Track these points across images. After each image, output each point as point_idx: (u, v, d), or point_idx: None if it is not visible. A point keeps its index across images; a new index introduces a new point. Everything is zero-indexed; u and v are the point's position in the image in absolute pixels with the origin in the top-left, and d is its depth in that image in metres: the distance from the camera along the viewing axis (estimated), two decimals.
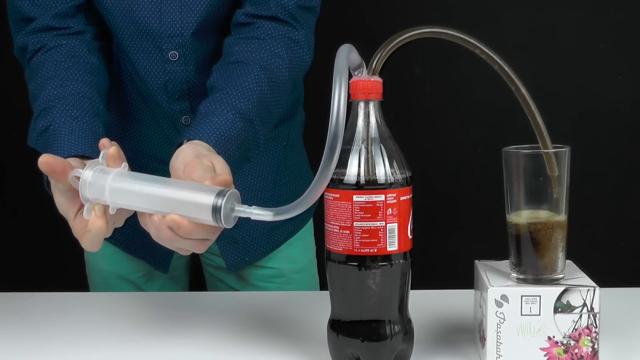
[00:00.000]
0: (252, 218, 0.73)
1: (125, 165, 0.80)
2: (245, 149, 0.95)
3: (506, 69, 0.78)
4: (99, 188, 0.78)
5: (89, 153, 0.91)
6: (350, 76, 0.77)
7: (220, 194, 0.74)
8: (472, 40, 0.78)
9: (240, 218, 0.75)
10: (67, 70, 1.03)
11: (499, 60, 0.78)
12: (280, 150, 1.21)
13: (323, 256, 0.81)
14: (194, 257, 1.31)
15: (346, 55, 0.73)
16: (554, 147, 0.78)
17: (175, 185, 0.78)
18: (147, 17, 1.06)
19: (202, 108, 0.94)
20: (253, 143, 0.96)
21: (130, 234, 1.21)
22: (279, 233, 1.24)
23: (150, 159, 1.16)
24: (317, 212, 1.29)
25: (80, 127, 0.95)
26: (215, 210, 0.73)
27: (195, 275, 1.34)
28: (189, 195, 0.75)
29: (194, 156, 0.83)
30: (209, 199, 0.74)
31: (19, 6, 1.07)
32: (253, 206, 0.74)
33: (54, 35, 1.07)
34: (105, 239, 1.23)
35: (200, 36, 1.08)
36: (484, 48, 0.78)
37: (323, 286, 1.09)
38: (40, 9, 1.07)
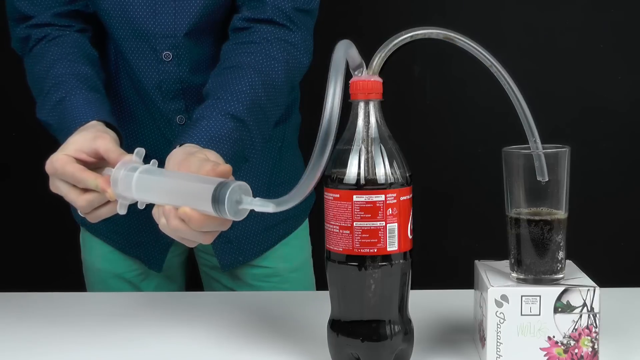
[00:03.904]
0: (256, 210, 0.73)
1: (154, 162, 0.84)
2: (240, 149, 0.95)
3: (509, 81, 0.78)
4: (127, 185, 0.82)
5: (109, 120, 0.97)
6: (349, 75, 0.77)
7: (223, 187, 0.73)
8: (475, 46, 0.78)
9: None
10: (73, 55, 1.06)
11: (501, 70, 0.78)
12: (276, 151, 1.22)
13: (320, 256, 0.81)
14: (190, 257, 1.32)
15: (344, 49, 0.73)
16: (554, 148, 0.79)
17: (184, 179, 0.79)
18: (141, 17, 1.07)
19: (195, 115, 0.96)
20: (248, 143, 0.96)
21: (125, 233, 1.22)
22: (273, 233, 1.24)
23: (148, 159, 1.16)
24: (314, 211, 1.30)
25: (95, 98, 1.00)
26: (219, 202, 0.73)
27: (191, 275, 1.35)
28: (195, 188, 0.75)
29: (186, 154, 0.84)
30: (210, 192, 0.73)
31: (18, 6, 1.10)
32: (257, 198, 0.73)
33: (56, 29, 1.10)
34: (101, 239, 1.25)
35: (194, 38, 1.08)
36: (486, 55, 0.78)
37: (321, 286, 1.09)
38: (39, 9, 1.09)
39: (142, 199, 0.82)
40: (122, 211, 0.84)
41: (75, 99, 0.98)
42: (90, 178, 0.85)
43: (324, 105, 0.68)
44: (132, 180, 0.81)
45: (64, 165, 0.86)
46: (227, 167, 0.78)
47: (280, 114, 1.06)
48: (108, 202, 0.86)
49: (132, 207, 0.84)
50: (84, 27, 1.13)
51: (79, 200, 0.87)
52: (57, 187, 0.89)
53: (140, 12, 1.07)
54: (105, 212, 0.88)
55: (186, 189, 0.77)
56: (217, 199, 0.72)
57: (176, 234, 0.79)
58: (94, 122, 0.95)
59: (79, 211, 0.89)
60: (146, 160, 0.85)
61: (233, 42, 1.06)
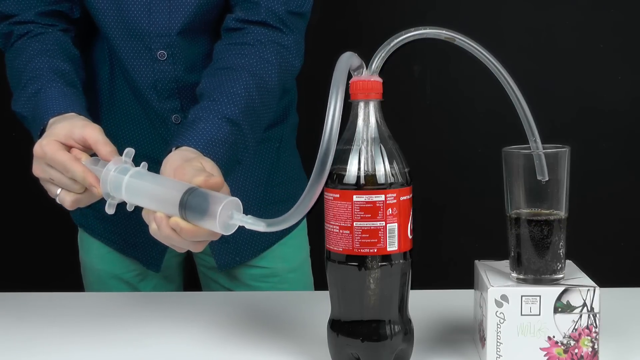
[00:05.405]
0: (246, 227, 0.74)
1: (144, 164, 0.84)
2: (234, 152, 0.95)
3: (509, 80, 0.78)
4: (117, 187, 0.83)
5: (83, 114, 0.96)
6: (350, 75, 0.77)
7: (191, 193, 0.75)
8: (475, 46, 0.78)
9: None
10: (53, 51, 1.06)
11: (501, 70, 0.78)
12: (273, 152, 1.22)
13: (319, 256, 0.80)
14: (188, 257, 1.32)
15: (345, 66, 0.73)
16: (554, 148, 0.79)
17: (169, 187, 0.79)
18: (136, 16, 1.07)
19: (190, 115, 0.96)
20: (242, 146, 0.97)
21: (123, 234, 1.22)
22: (271, 233, 1.23)
23: (144, 159, 1.16)
24: (313, 211, 1.29)
25: (71, 92, 1.00)
26: (185, 207, 0.75)
27: (189, 275, 1.35)
28: (175, 197, 0.77)
29: (182, 160, 0.85)
30: (214, 209, 0.74)
31: (0, 8, 1.10)
32: (249, 215, 0.74)
33: (40, 26, 1.10)
34: (99, 239, 1.25)
35: (188, 37, 1.09)
36: (485, 53, 0.78)
37: (320, 286, 1.08)
38: (23, 7, 1.10)
39: (132, 202, 0.83)
40: (110, 211, 0.85)
41: (51, 91, 0.99)
42: (78, 171, 0.86)
43: (324, 127, 0.68)
44: (123, 184, 0.82)
45: (54, 151, 0.87)
46: (219, 180, 0.79)
47: (271, 116, 1.06)
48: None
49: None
50: (68, 27, 1.13)
51: (72, 185, 0.88)
52: (44, 170, 0.89)
53: (135, 10, 1.07)
54: (85, 199, 0.89)
55: (168, 198, 0.78)
56: (183, 205, 0.75)
57: (167, 241, 0.80)
58: (72, 114, 0.95)
59: (57, 199, 0.90)
60: (136, 159, 0.85)
61: (226, 43, 1.06)
